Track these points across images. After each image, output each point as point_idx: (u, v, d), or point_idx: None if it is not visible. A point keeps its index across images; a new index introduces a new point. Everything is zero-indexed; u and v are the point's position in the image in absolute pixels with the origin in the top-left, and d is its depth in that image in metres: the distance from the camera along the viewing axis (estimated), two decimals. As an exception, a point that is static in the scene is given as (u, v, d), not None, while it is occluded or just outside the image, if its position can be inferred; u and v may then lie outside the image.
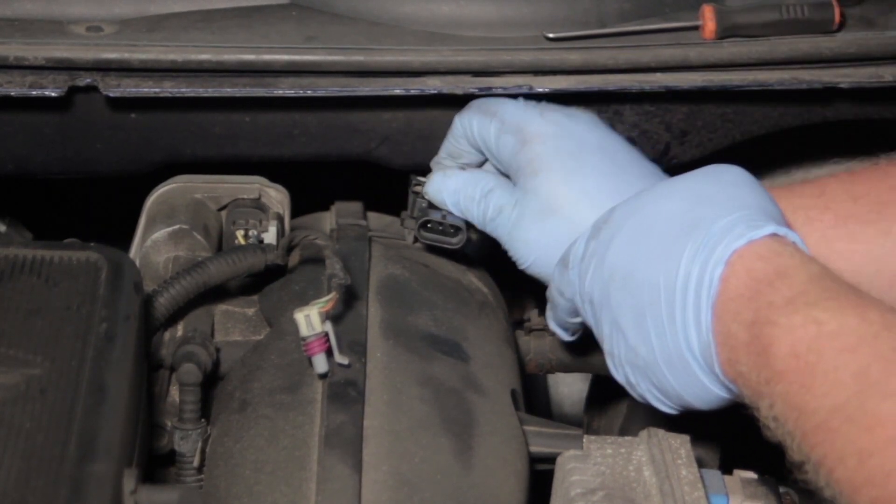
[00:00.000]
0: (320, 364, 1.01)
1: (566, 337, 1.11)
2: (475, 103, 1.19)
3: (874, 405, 0.79)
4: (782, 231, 0.91)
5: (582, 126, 1.15)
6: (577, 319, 1.06)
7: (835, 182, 1.07)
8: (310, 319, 1.00)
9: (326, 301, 1.01)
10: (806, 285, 0.87)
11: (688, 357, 0.92)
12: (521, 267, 1.13)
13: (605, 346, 1.00)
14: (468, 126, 1.18)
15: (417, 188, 1.20)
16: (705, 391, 0.93)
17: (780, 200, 1.00)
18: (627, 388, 1.00)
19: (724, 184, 0.96)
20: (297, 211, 1.25)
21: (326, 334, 1.00)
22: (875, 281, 1.02)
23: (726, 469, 1.07)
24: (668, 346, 0.93)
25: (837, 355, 0.82)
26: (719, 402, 0.94)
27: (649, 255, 0.94)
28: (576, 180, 1.11)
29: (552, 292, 1.07)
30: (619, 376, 1.00)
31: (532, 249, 1.11)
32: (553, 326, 1.11)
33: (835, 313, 0.84)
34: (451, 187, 1.16)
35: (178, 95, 1.19)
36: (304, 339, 1.00)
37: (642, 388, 0.98)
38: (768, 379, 0.85)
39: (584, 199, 1.10)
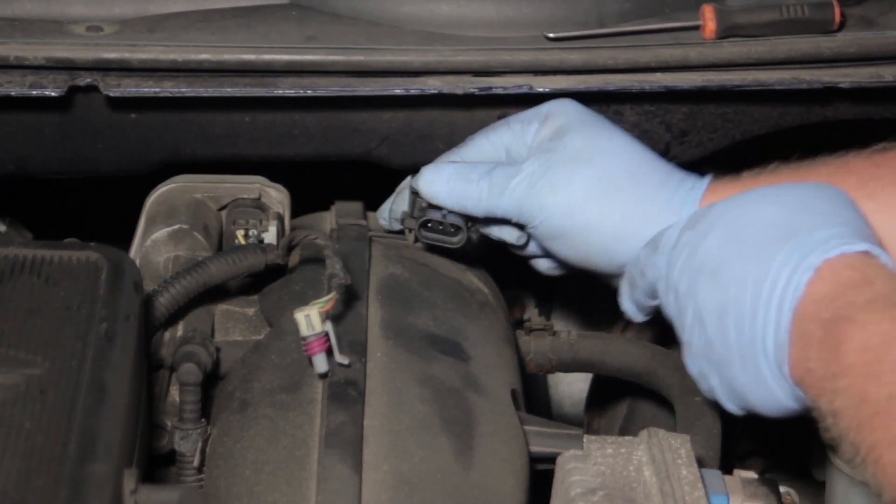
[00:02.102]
0: (320, 364, 1.01)
1: (639, 317, 1.11)
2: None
3: None
4: (875, 250, 0.93)
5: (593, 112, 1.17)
6: (655, 302, 1.07)
7: (856, 155, 1.09)
8: (310, 319, 1.00)
9: (326, 301, 1.01)
10: (890, 291, 0.89)
11: (760, 356, 0.94)
12: (533, 226, 1.13)
13: (685, 336, 1.02)
14: (496, 136, 1.18)
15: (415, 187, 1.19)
16: (769, 394, 0.95)
17: (803, 167, 1.06)
18: (698, 379, 1.03)
19: (825, 199, 0.98)
20: (297, 211, 1.25)
21: (326, 334, 1.00)
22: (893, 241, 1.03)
23: (726, 469, 1.07)
24: (744, 344, 0.95)
25: None
26: (780, 409, 0.96)
27: (742, 254, 0.96)
28: (603, 135, 1.13)
29: (633, 271, 1.08)
30: (692, 367, 1.02)
31: (559, 200, 1.11)
32: (627, 305, 1.11)
33: None
34: (444, 175, 1.15)
35: (178, 95, 1.19)
36: (304, 338, 1.00)
37: (712, 382, 1.00)
38: (835, 373, 0.87)
39: (613, 152, 1.12)
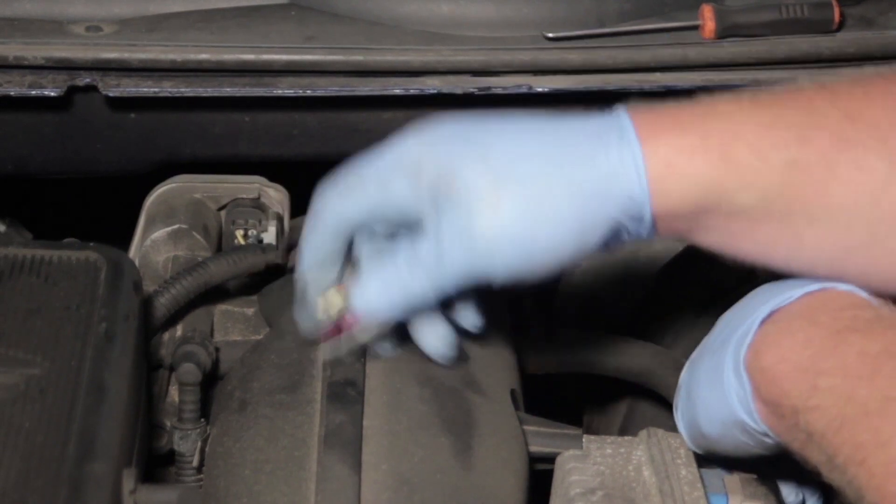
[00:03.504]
0: (341, 344, 0.98)
1: None
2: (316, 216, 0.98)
3: None
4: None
5: (446, 122, 0.99)
6: None
7: (819, 98, 0.96)
8: (328, 299, 0.97)
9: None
10: (892, 314, 0.89)
11: (729, 350, 0.94)
12: (494, 275, 0.95)
13: None
14: (348, 214, 0.98)
15: None
16: (720, 392, 0.94)
17: (766, 113, 0.94)
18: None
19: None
20: (296, 211, 1.25)
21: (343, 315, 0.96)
22: (873, 212, 0.95)
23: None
24: (713, 341, 0.96)
25: None
26: (724, 416, 0.95)
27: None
28: (491, 157, 0.94)
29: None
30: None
31: (504, 234, 0.93)
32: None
33: None
34: (374, 293, 0.97)
35: (177, 95, 1.19)
36: (322, 321, 0.97)
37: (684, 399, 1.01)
38: (822, 371, 0.86)
39: (512, 171, 0.94)
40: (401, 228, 0.99)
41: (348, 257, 1.00)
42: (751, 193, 0.94)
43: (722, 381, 0.94)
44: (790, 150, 0.93)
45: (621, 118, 0.95)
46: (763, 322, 0.92)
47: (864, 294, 0.91)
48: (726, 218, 0.95)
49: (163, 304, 1.08)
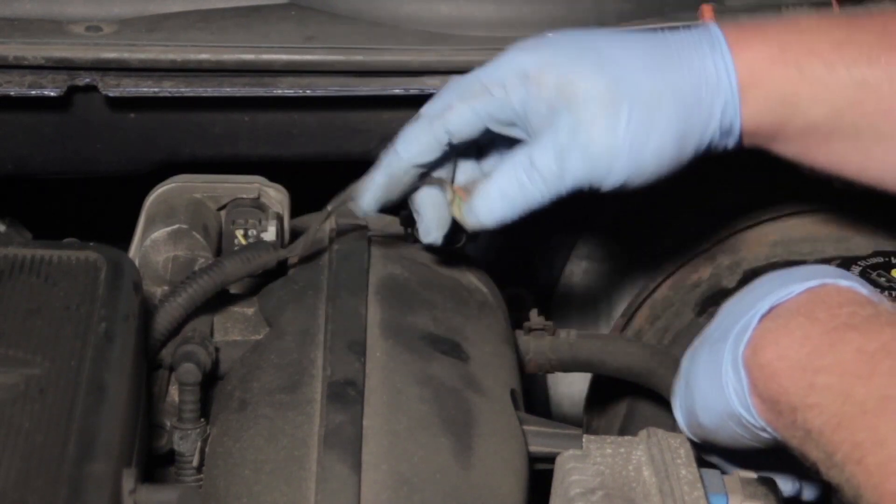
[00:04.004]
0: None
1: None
2: (432, 109, 1.07)
3: None
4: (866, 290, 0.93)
5: (556, 34, 1.07)
6: None
7: (894, 21, 1.02)
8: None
9: None
10: (892, 310, 0.89)
11: (727, 344, 0.94)
12: (606, 184, 1.03)
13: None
14: (462, 122, 1.05)
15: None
16: (717, 383, 0.95)
17: (841, 32, 1.00)
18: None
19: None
20: (296, 211, 1.25)
21: None
22: None
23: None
24: (711, 334, 0.97)
25: None
26: (719, 408, 0.96)
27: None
28: (610, 71, 1.02)
29: None
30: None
31: (619, 146, 1.01)
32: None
33: None
34: (495, 199, 1.05)
35: (177, 95, 1.19)
36: None
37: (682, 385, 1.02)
38: (820, 368, 0.86)
39: (627, 74, 1.02)
40: (500, 140, 1.08)
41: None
42: (822, 107, 1.00)
43: (720, 375, 0.95)
44: (860, 68, 0.99)
45: (712, 29, 1.02)
46: (762, 318, 0.92)
47: (864, 290, 0.92)
48: (801, 131, 1.01)
49: (180, 304, 1.08)
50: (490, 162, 1.11)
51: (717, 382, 0.95)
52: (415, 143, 1.06)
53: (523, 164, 1.03)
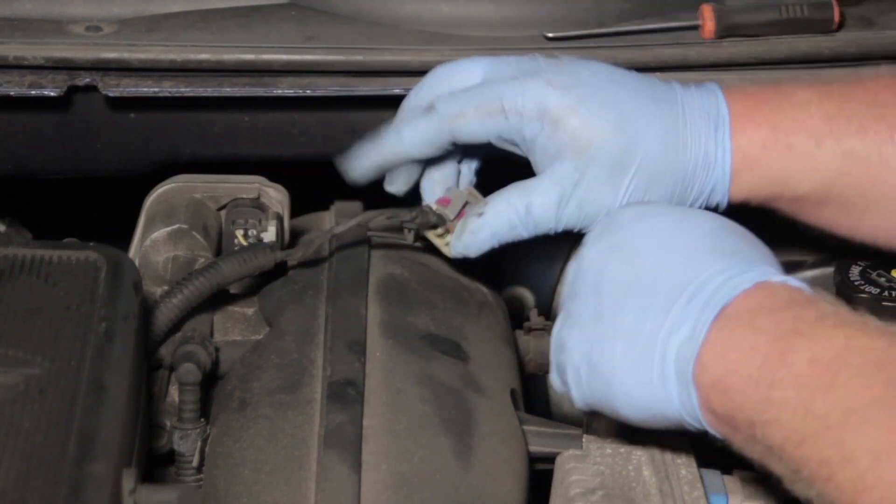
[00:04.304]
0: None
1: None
2: (446, 109, 1.09)
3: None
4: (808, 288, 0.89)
5: (587, 71, 1.08)
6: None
7: (886, 91, 1.06)
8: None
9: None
10: (836, 311, 0.85)
11: (657, 347, 0.89)
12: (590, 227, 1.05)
13: (570, 304, 0.97)
14: (468, 131, 1.08)
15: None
16: (644, 389, 0.90)
17: (832, 105, 1.04)
18: (555, 352, 0.98)
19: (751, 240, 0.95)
20: (296, 211, 1.25)
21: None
22: None
23: (726, 469, 1.07)
24: (639, 330, 0.90)
25: (865, 366, 0.80)
26: (649, 410, 0.91)
27: (671, 248, 0.93)
28: (626, 133, 1.05)
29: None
30: (559, 336, 0.97)
31: (613, 205, 1.05)
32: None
33: (865, 332, 0.82)
34: (485, 237, 1.07)
35: (177, 95, 1.19)
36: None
37: (574, 359, 0.95)
38: (774, 382, 0.82)
39: (641, 142, 1.05)
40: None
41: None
42: (811, 181, 1.04)
43: (658, 383, 0.89)
44: (849, 140, 1.03)
45: (720, 108, 1.06)
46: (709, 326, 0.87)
47: (797, 283, 0.88)
48: (790, 202, 1.05)
49: (175, 305, 1.08)
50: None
51: (653, 388, 0.89)
52: (419, 136, 1.10)
53: (517, 210, 1.06)
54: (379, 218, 1.14)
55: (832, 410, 0.79)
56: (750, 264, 0.90)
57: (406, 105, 1.14)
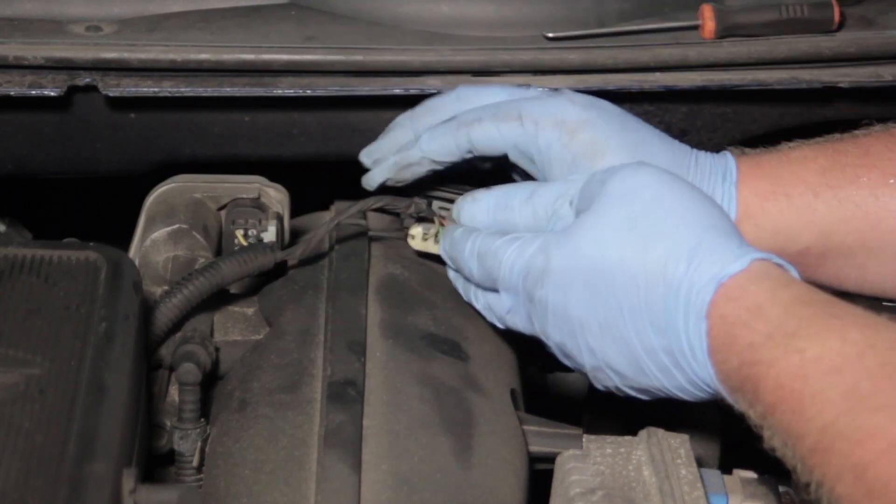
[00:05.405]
0: None
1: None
2: (465, 115, 1.13)
3: (864, 419, 0.80)
4: (741, 251, 0.91)
5: (606, 104, 1.13)
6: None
7: (877, 143, 1.11)
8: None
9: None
10: (782, 318, 0.87)
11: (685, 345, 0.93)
12: None
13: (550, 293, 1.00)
14: (485, 138, 1.11)
15: (443, 213, 1.17)
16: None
17: (826, 159, 1.09)
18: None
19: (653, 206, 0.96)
20: (296, 211, 1.25)
21: None
22: None
23: (726, 469, 1.07)
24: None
25: (823, 378, 0.83)
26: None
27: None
28: (640, 152, 1.08)
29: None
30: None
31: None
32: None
33: (815, 339, 0.85)
34: (483, 207, 1.09)
35: (177, 95, 1.19)
36: None
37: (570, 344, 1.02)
38: (763, 414, 0.87)
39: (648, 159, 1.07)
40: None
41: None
42: (812, 232, 1.09)
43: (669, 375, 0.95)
44: (844, 189, 1.08)
45: (729, 163, 1.11)
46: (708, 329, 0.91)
47: (792, 271, 0.92)
48: (796, 256, 1.06)
49: (175, 305, 1.08)
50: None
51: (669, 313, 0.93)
52: (437, 141, 1.13)
53: (524, 193, 1.08)
54: (377, 204, 1.16)
55: (809, 431, 0.83)
56: (686, 289, 0.93)
57: (426, 111, 1.17)
